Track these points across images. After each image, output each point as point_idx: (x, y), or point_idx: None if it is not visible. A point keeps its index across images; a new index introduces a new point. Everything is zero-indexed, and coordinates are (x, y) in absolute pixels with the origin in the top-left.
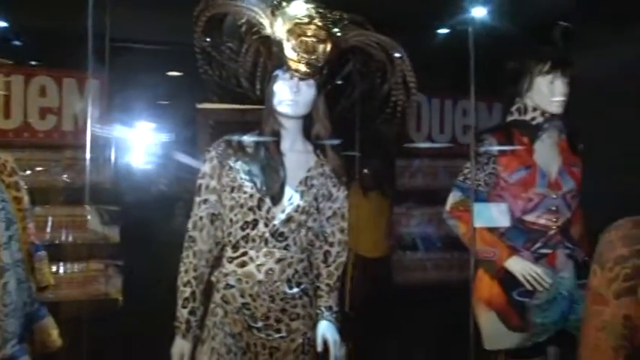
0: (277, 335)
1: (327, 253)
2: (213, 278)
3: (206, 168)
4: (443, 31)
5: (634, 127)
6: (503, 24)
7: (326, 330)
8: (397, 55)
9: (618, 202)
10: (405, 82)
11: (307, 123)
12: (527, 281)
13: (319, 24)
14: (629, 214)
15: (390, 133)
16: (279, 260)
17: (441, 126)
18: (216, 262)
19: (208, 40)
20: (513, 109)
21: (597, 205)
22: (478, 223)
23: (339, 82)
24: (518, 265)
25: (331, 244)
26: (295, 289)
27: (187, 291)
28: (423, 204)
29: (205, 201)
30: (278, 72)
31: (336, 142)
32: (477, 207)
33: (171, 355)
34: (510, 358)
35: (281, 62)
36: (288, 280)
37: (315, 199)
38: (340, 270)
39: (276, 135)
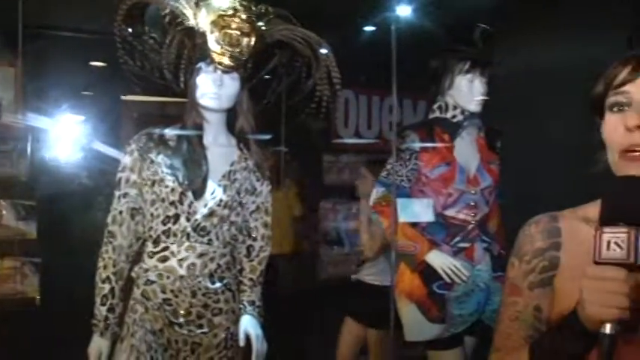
0: (199, 331)
1: (250, 248)
2: (133, 274)
3: (126, 161)
4: (370, 28)
5: (552, 126)
6: (427, 23)
7: (248, 325)
8: (322, 50)
9: (537, 197)
10: (329, 78)
11: (231, 117)
12: (447, 274)
13: (244, 17)
14: (549, 209)
15: (316, 129)
16: (201, 255)
17: (369, 122)
18: (136, 258)
19: (130, 29)
20: (435, 106)
21: (517, 200)
22: (403, 218)
23: (265, 77)
24: (438, 259)
25: (254, 239)
26: (218, 284)
27: (106, 287)
28: (350, 199)
29: (125, 195)
30: (201, 64)
31: (260, 136)
32: (402, 202)
33: (89, 354)
34: (430, 349)
35: (204, 54)
36: (211, 275)
37: (238, 193)
38: (264, 264)
39: (199, 128)
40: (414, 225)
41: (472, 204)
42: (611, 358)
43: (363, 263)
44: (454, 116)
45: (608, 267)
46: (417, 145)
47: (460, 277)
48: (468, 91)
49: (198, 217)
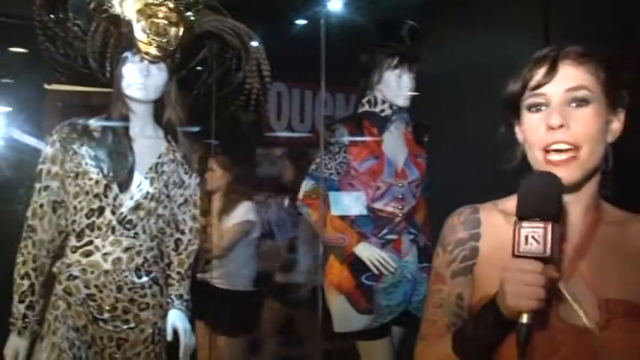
0: (125, 326)
1: (178, 241)
2: (54, 269)
3: (48, 152)
4: (302, 22)
5: (477, 122)
6: (357, 18)
7: (176, 319)
8: (253, 43)
9: (463, 191)
10: (259, 71)
11: (158, 108)
12: (375, 266)
13: (171, 6)
14: (473, 202)
15: (248, 122)
16: (127, 249)
17: (301, 116)
18: (58, 253)
19: (52, 15)
20: (364, 100)
21: (443, 193)
22: (334, 211)
23: (194, 68)
24: (366, 251)
25: (183, 232)
26: (144, 278)
27: (25, 284)
28: (282, 192)
29: (46, 188)
30: (127, 54)
31: (189, 128)
32: (334, 195)
33: (4, 355)
34: (359, 339)
35: (130, 44)
36: (137, 269)
37: (166, 185)
38: (192, 258)
39: (125, 119)
40: (342, 217)
41: (400, 197)
42: (527, 345)
43: (208, 263)
44: (383, 110)
45: (526, 260)
46: (346, 138)
47: (387, 269)
48: (396, 86)
49: (124, 210)
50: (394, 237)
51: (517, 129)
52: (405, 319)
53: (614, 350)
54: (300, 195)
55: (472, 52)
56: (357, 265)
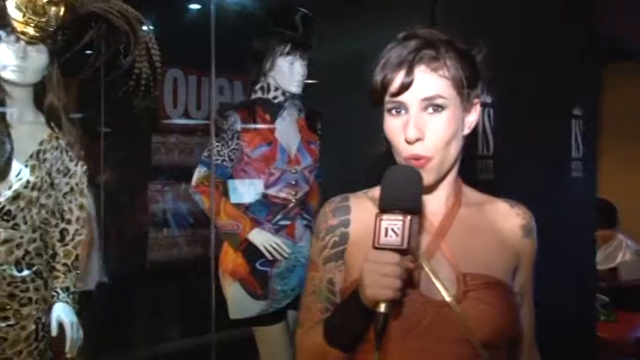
0: (4, 324)
1: (64, 232)
2: None
3: None
4: (197, 6)
5: (369, 110)
6: (249, 4)
7: (62, 312)
8: (142, 26)
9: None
10: (149, 55)
11: (39, 92)
12: (268, 252)
13: None
14: (366, 187)
15: (143, 108)
16: (5, 241)
17: (198, 103)
18: None
19: None
20: (257, 87)
21: (336, 179)
22: (234, 200)
23: (82, 51)
24: (260, 237)
25: (69, 222)
26: (26, 272)
27: None
28: (179, 180)
29: None
30: (1, 33)
31: (75, 114)
32: (232, 184)
33: None
34: (255, 325)
35: (4, 23)
36: (17, 263)
37: (49, 174)
38: (79, 249)
39: (2, 104)
40: (236, 204)
41: (293, 183)
42: (383, 334)
43: None
44: (275, 97)
45: (385, 252)
46: (239, 125)
47: (281, 254)
48: (288, 73)
49: (2, 200)
50: (288, 222)
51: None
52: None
53: (472, 319)
54: (193, 182)
55: (364, 39)
56: (251, 252)
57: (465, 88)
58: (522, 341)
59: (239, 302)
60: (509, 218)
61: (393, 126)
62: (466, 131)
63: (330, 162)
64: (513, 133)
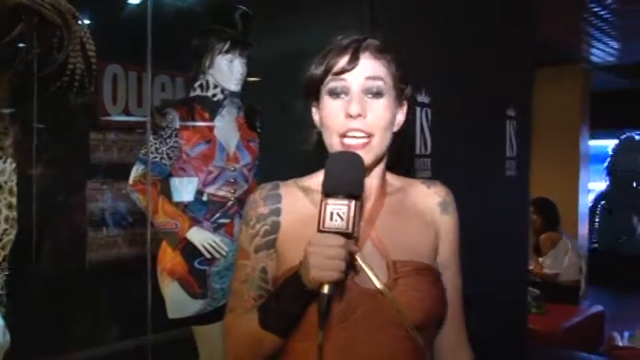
0: None
1: None
2: None
3: None
4: (137, 1)
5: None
6: (188, 1)
7: None
8: (77, 20)
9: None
10: (84, 50)
11: None
12: (207, 250)
13: None
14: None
15: (80, 105)
16: None
17: (139, 100)
18: None
19: None
20: (196, 85)
21: (276, 177)
22: (176, 198)
23: (13, 44)
24: (198, 236)
25: None
26: None
27: None
28: (119, 179)
29: None
30: None
31: (6, 109)
32: (174, 182)
33: None
34: (194, 324)
35: None
36: None
37: None
38: (7, 249)
39: None
40: (174, 203)
41: (232, 181)
42: (327, 314)
43: None
44: (214, 95)
45: (330, 235)
46: (177, 122)
47: (220, 252)
48: (227, 71)
49: None
50: (227, 221)
51: (314, 112)
52: None
53: (404, 305)
54: (130, 180)
55: (303, 37)
56: (189, 250)
57: (400, 83)
58: (447, 317)
59: (178, 301)
60: (427, 198)
61: (334, 107)
62: (395, 129)
63: (269, 160)
64: (450, 133)
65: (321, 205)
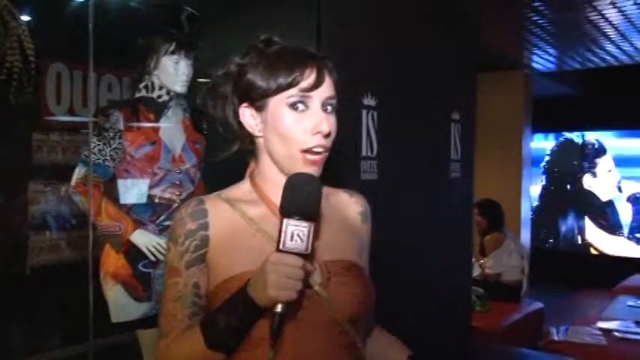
0: None
1: None
2: None
3: None
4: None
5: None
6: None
7: None
8: (14, 18)
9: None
10: (22, 48)
11: None
12: (151, 253)
13: None
14: None
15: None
16: None
17: (85, 100)
18: None
19: None
20: (141, 85)
21: (221, 180)
22: (123, 200)
23: None
24: (143, 238)
25: None
26: None
27: None
28: (63, 180)
29: None
30: None
31: None
32: (121, 184)
33: None
34: (138, 328)
35: None
36: None
37: None
38: None
39: None
40: (118, 205)
41: (177, 183)
42: (280, 332)
43: None
44: (160, 96)
45: (290, 255)
46: (121, 124)
47: (165, 255)
48: (173, 72)
49: None
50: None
51: (246, 114)
52: None
53: (338, 301)
54: (73, 182)
55: (250, 39)
56: (133, 253)
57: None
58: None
59: (121, 305)
60: (350, 206)
61: (297, 120)
62: None
63: (215, 162)
64: (396, 135)
65: (281, 225)
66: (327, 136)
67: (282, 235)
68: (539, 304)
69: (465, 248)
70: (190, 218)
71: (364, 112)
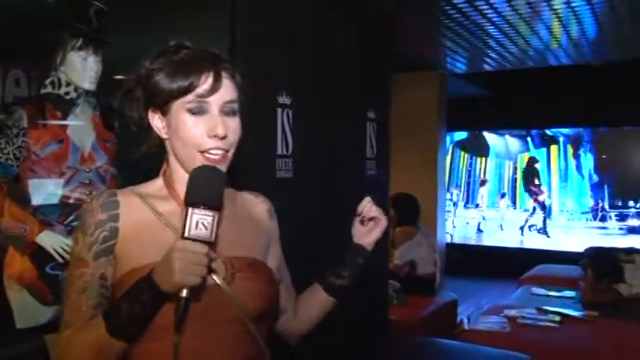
0: None
1: None
2: None
3: None
4: None
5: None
6: None
7: None
8: None
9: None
10: None
11: None
12: (59, 255)
13: None
14: None
15: None
16: None
17: None
18: None
19: None
20: (47, 82)
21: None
22: (35, 202)
23: None
24: (50, 240)
25: None
26: None
27: None
28: None
29: None
30: None
31: None
32: (34, 184)
33: None
34: (46, 333)
35: None
36: None
37: None
38: None
39: None
40: (24, 206)
41: (87, 182)
42: (185, 317)
43: None
44: (67, 93)
45: (195, 243)
46: (25, 121)
47: None
48: (81, 69)
49: None
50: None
51: (154, 118)
52: None
53: (241, 297)
54: None
55: (162, 36)
56: (40, 255)
57: (242, 100)
58: (285, 309)
59: (27, 310)
60: (257, 205)
61: (191, 123)
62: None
63: (128, 161)
64: (312, 134)
65: (186, 213)
66: (223, 138)
67: (187, 222)
68: (453, 296)
69: (383, 244)
70: (101, 209)
71: (279, 110)
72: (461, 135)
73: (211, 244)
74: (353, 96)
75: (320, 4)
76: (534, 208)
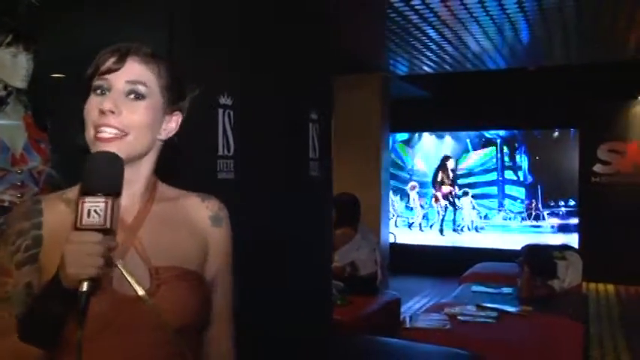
0: None
1: None
2: None
3: None
4: None
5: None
6: None
7: None
8: None
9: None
10: None
11: None
12: None
13: None
14: None
15: None
16: None
17: None
18: None
19: None
20: None
21: (69, 178)
22: None
23: None
24: None
25: None
26: None
27: None
28: None
29: None
30: None
31: None
32: None
33: None
34: None
35: None
36: None
37: None
38: None
39: None
40: None
41: (19, 184)
42: (86, 312)
43: None
44: None
45: (87, 232)
46: None
47: None
48: (11, 66)
49: None
50: None
51: (85, 110)
52: None
53: (165, 310)
54: None
55: (96, 33)
56: None
57: (169, 90)
58: (215, 322)
59: None
60: (199, 210)
61: (92, 102)
62: (163, 135)
63: (61, 161)
64: (254, 134)
65: (77, 204)
66: (112, 113)
67: (79, 213)
68: (395, 294)
69: (325, 245)
70: (24, 217)
71: (220, 111)
72: (403, 136)
73: (109, 231)
74: (295, 97)
75: (261, 3)
76: (446, 207)
